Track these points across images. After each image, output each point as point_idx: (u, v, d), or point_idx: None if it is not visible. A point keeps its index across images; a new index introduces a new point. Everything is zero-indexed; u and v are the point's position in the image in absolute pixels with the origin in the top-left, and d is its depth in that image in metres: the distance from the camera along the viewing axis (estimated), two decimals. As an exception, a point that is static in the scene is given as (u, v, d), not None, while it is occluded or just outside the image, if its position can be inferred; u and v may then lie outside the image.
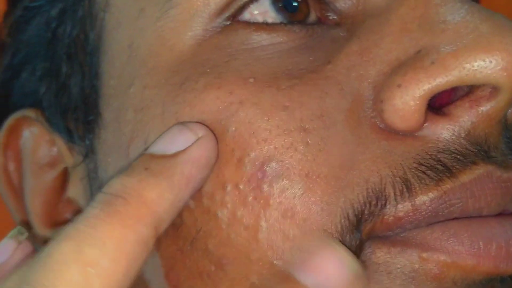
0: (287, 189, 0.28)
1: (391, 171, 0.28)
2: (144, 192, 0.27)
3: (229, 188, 0.29)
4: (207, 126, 0.29)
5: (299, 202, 0.28)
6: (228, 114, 0.29)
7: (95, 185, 0.34)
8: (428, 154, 0.28)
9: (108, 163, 0.33)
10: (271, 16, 0.31)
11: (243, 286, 0.29)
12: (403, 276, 0.28)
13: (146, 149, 0.29)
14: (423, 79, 0.27)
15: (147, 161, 0.28)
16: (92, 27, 0.34)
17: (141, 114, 0.31)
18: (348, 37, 0.30)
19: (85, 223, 0.26)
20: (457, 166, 0.28)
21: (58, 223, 0.37)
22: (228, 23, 0.31)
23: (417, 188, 0.27)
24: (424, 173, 0.28)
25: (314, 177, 0.28)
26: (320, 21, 0.31)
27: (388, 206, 0.27)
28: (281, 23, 0.31)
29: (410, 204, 0.27)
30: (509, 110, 0.29)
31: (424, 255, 0.27)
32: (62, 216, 0.37)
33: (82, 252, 0.25)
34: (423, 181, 0.27)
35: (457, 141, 0.28)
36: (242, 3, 0.30)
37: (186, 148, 0.28)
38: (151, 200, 0.27)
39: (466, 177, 0.28)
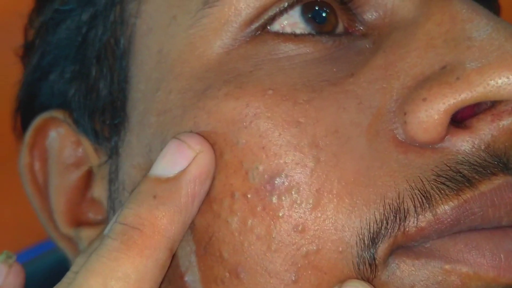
0: (297, 203, 0.29)
1: (409, 185, 0.28)
2: (157, 221, 0.29)
3: (237, 196, 0.29)
4: (217, 130, 0.30)
5: (309, 217, 0.28)
6: (241, 126, 0.30)
7: (114, 186, 0.35)
8: (447, 165, 0.28)
9: (132, 167, 0.34)
10: (300, 27, 0.31)
11: None
12: None
13: (150, 162, 0.31)
14: (448, 94, 0.28)
15: (153, 188, 0.30)
16: (123, 32, 0.34)
17: (162, 117, 0.32)
18: (373, 50, 0.30)
19: (108, 257, 0.29)
20: (477, 177, 0.28)
21: (81, 222, 0.37)
22: (257, 33, 0.31)
23: (438, 199, 0.28)
24: (444, 184, 0.28)
25: (326, 193, 0.28)
26: (347, 32, 0.32)
27: (408, 219, 0.28)
28: (309, 34, 0.31)
29: (431, 214, 0.28)
30: None
31: (447, 267, 0.28)
32: (85, 215, 0.38)
33: (109, 286, 0.28)
34: (442, 191, 0.28)
35: (477, 153, 0.29)
36: (272, 14, 0.31)
37: (188, 167, 0.30)
38: (164, 227, 0.29)
39: (485, 186, 0.28)
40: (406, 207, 0.28)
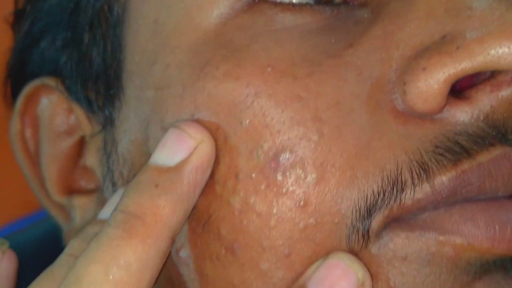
0: (301, 178, 0.29)
1: (408, 156, 0.28)
2: (159, 211, 0.29)
3: (241, 176, 0.29)
4: (219, 114, 0.30)
5: (312, 192, 0.29)
6: (243, 107, 0.29)
7: (111, 157, 0.35)
8: (446, 136, 0.28)
9: (130, 142, 0.33)
10: None
11: (253, 272, 0.29)
12: (419, 260, 0.28)
13: (151, 151, 0.31)
14: (448, 63, 0.28)
15: (155, 177, 0.30)
16: None
17: (160, 93, 0.32)
18: (372, 19, 0.30)
19: (109, 245, 0.28)
20: (475, 148, 0.28)
21: (73, 190, 0.37)
22: (255, 1, 0.31)
23: (435, 170, 0.28)
24: (442, 155, 0.28)
25: (329, 167, 0.28)
26: (345, 1, 0.31)
27: (405, 191, 0.28)
28: (307, 3, 0.31)
29: (428, 185, 0.28)
30: None
31: (442, 238, 0.28)
32: (77, 183, 0.37)
33: (111, 274, 0.28)
34: (440, 162, 0.28)
35: (475, 123, 0.29)
36: None
37: (189, 157, 0.29)
38: (166, 216, 0.29)
39: (483, 157, 0.28)
40: (403, 179, 0.28)
